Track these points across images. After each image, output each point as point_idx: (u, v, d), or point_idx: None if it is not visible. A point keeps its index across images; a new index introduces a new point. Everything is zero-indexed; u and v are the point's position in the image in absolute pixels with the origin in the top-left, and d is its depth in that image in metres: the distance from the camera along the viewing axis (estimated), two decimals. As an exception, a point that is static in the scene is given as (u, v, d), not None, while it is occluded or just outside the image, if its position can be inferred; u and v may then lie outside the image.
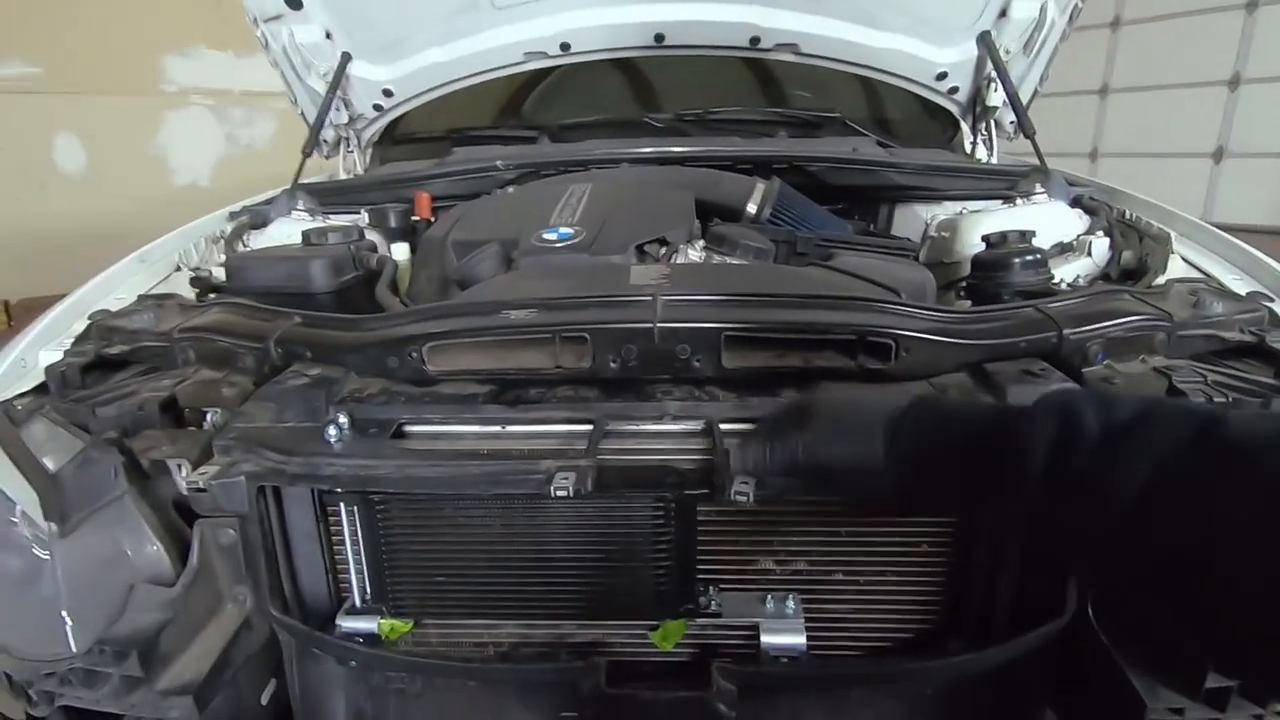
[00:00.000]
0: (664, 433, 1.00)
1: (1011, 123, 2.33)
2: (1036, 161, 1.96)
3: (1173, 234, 1.49)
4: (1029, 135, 2.07)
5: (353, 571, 1.03)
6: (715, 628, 1.05)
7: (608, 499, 0.97)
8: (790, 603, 1.02)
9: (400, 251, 1.74)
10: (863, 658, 1.02)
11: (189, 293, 1.47)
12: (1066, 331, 1.04)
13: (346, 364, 1.09)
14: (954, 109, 2.40)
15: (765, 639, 0.98)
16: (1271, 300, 1.24)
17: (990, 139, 2.38)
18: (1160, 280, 1.33)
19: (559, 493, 0.83)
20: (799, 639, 0.98)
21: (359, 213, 1.90)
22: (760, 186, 1.68)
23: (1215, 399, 0.97)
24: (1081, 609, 0.92)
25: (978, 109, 2.37)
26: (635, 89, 2.60)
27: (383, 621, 1.03)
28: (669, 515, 0.98)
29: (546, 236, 1.37)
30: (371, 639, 1.02)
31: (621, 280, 1.14)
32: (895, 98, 2.48)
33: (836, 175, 1.90)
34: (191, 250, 1.63)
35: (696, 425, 0.99)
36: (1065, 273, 1.52)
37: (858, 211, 2.02)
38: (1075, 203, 1.75)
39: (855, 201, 2.01)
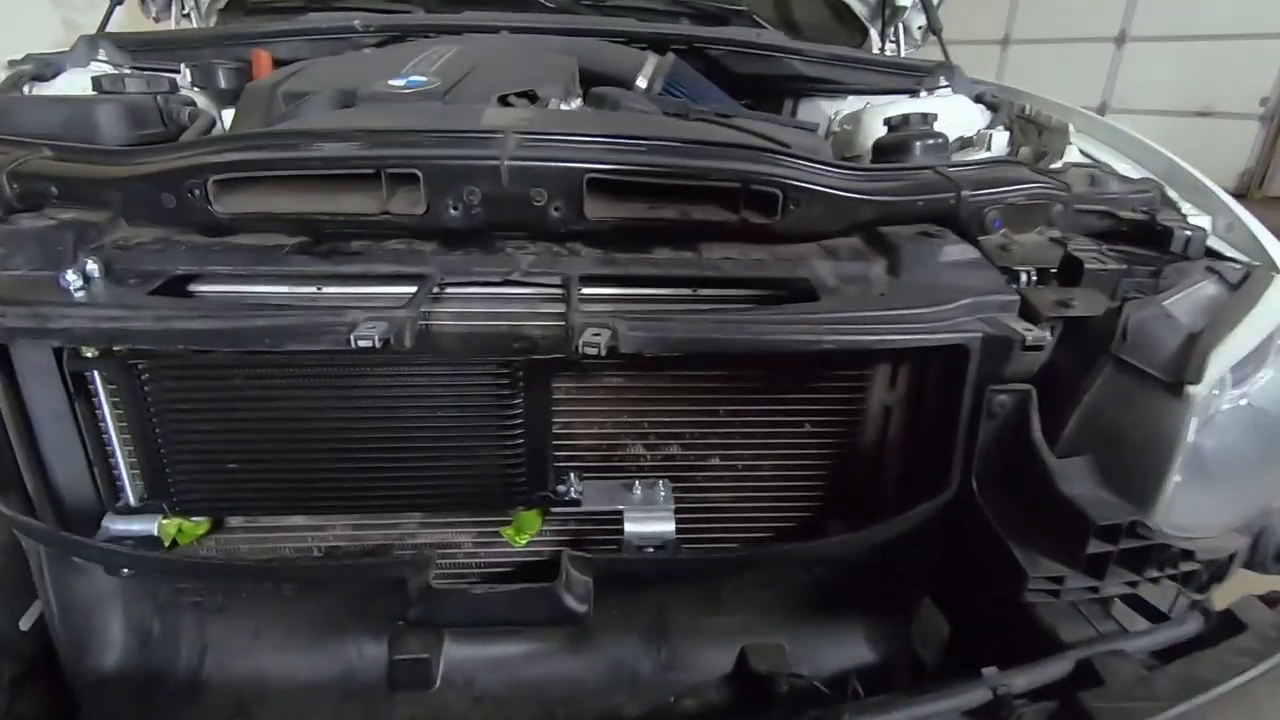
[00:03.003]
0: (514, 295, 0.84)
1: (920, 28, 2.24)
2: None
3: (1071, 126, 1.44)
4: (936, 31, 1.99)
5: (121, 461, 0.83)
6: (577, 522, 0.93)
7: (443, 368, 0.81)
8: (660, 490, 0.90)
9: (230, 117, 1.46)
10: (738, 545, 0.92)
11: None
12: (965, 193, 0.94)
13: (110, 207, 0.85)
14: (862, 10, 2.29)
15: (629, 528, 0.86)
16: (1162, 186, 1.21)
17: (899, 45, 2.29)
18: (1057, 165, 1.28)
19: (362, 343, 0.66)
20: (667, 527, 0.87)
21: (180, 71, 1.58)
22: (653, 60, 1.51)
23: (1110, 266, 0.91)
24: (965, 485, 0.85)
25: (886, 12, 2.26)
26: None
27: (165, 522, 0.84)
28: (518, 388, 0.83)
29: (393, 83, 1.15)
30: (150, 543, 0.83)
31: (471, 119, 0.95)
32: (806, 2, 2.35)
33: (738, 62, 1.75)
34: (-56, 95, 1.30)
35: (553, 283, 0.83)
36: (965, 163, 1.46)
37: (761, 105, 1.88)
38: (978, 99, 1.69)
39: (757, 95, 1.87)
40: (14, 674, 0.90)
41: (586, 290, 0.83)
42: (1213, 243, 1.07)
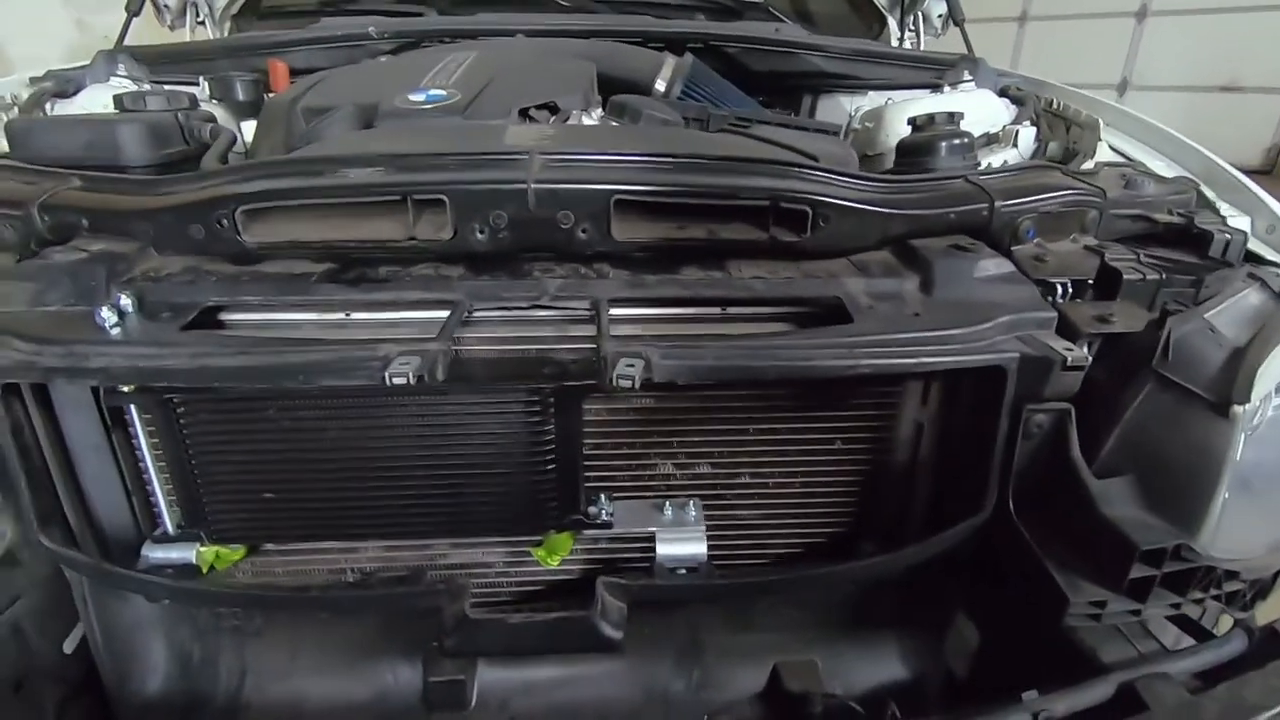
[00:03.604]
0: (542, 318, 0.83)
1: (940, 16, 2.20)
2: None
3: (1101, 121, 1.40)
4: (958, 22, 1.95)
5: (158, 491, 0.84)
6: (608, 541, 0.93)
7: (474, 395, 0.81)
8: (691, 509, 0.90)
9: (250, 131, 1.46)
10: (767, 565, 0.92)
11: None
12: (999, 204, 0.92)
13: (140, 237, 0.86)
14: (882, -1, 2.24)
15: (661, 550, 0.86)
16: (1197, 185, 1.18)
17: (919, 34, 2.25)
18: (1089, 165, 1.25)
19: (396, 380, 0.66)
20: (699, 548, 0.87)
21: (199, 84, 1.59)
22: (670, 61, 1.48)
23: (1149, 276, 0.89)
24: (1002, 505, 0.84)
25: (906, 0, 2.22)
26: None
27: (203, 550, 0.85)
28: (549, 413, 0.83)
29: (413, 98, 1.14)
30: (188, 571, 0.84)
31: (494, 140, 0.95)
32: (820, -11, 2.30)
33: (756, 59, 1.72)
34: (-33, 117, 1.31)
35: (582, 307, 0.83)
36: (991, 163, 1.42)
37: (779, 102, 1.86)
38: (1003, 93, 1.65)
39: (776, 92, 1.84)
40: (59, 697, 0.92)
41: (615, 312, 0.83)
42: (1253, 245, 1.04)
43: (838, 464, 0.92)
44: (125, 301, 0.76)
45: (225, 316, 0.83)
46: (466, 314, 0.79)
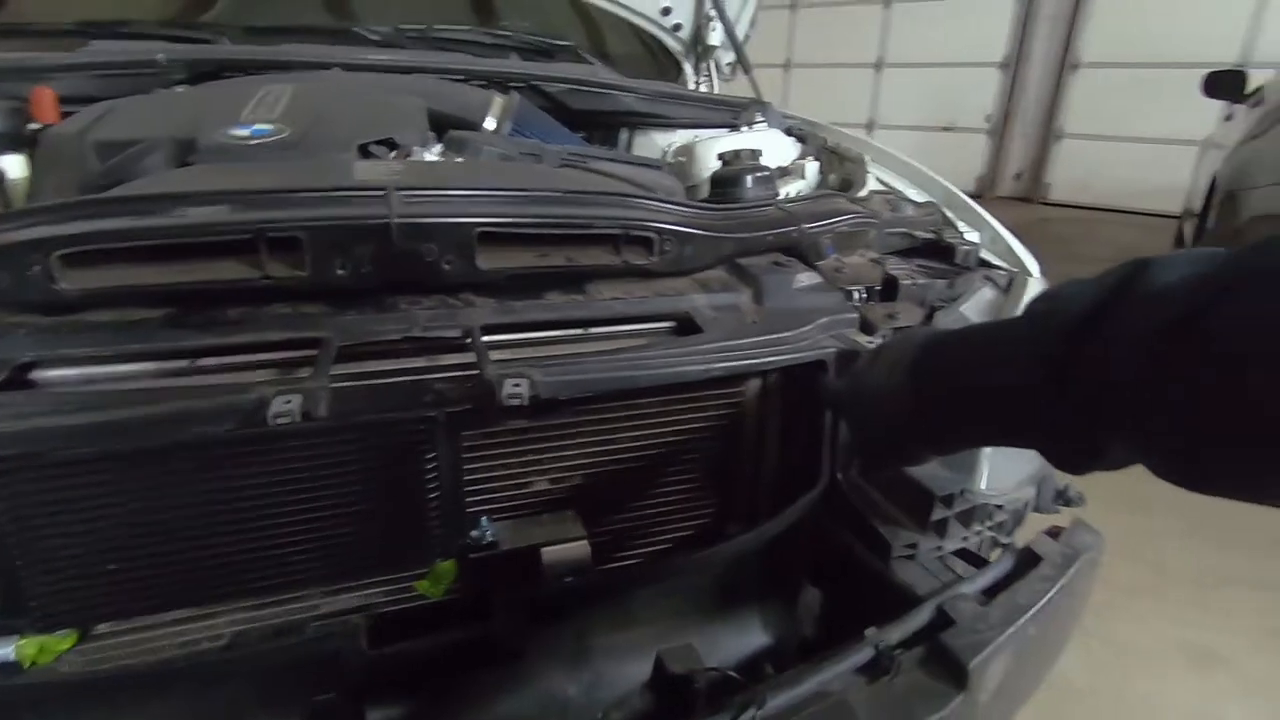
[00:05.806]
0: (415, 348, 0.84)
1: (729, 64, 2.49)
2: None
3: (867, 157, 1.70)
4: (747, 71, 2.22)
5: (-40, 583, 0.72)
6: (491, 560, 0.95)
7: (348, 434, 0.80)
8: (569, 519, 0.95)
9: (14, 166, 1.27)
10: (647, 560, 1.00)
11: None
12: (805, 226, 1.10)
13: (-83, 290, 0.74)
14: (678, 47, 2.48)
15: (547, 559, 0.90)
16: (940, 208, 1.48)
17: (711, 79, 2.52)
18: (863, 193, 1.51)
19: (279, 421, 0.65)
20: (583, 553, 0.92)
21: (-64, 111, 1.35)
22: (499, 100, 1.54)
23: (919, 281, 1.11)
24: (833, 477, 1.00)
25: (699, 49, 2.48)
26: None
27: (24, 642, 0.74)
28: (429, 444, 0.84)
29: (236, 132, 1.08)
30: (7, 670, 0.73)
31: (343, 175, 0.94)
32: (619, 35, 2.50)
33: (575, 98, 1.83)
34: None
35: (454, 335, 0.85)
36: (789, 192, 1.66)
37: (597, 138, 1.99)
38: (788, 132, 1.92)
39: (593, 128, 1.97)
40: None
41: (487, 338, 0.86)
42: (982, 254, 1.33)
43: (696, 461, 1.03)
44: (-89, 364, 0.66)
45: (38, 374, 0.74)
46: (337, 350, 0.78)
